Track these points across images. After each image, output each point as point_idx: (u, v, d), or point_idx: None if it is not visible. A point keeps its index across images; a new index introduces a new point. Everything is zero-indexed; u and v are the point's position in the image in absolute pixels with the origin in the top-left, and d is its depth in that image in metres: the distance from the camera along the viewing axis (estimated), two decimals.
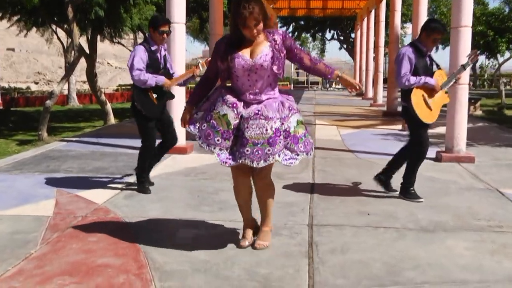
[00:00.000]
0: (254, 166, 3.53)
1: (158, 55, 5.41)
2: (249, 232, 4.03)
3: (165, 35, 5.37)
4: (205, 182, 6.04)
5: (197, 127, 3.67)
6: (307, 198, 5.47)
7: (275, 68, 3.58)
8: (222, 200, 5.29)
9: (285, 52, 3.63)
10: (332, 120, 13.28)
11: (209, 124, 3.60)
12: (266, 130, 3.51)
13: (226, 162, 3.55)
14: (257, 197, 3.93)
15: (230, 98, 3.61)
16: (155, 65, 5.37)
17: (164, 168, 6.94)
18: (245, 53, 3.59)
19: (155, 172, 6.63)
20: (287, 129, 3.62)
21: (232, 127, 3.57)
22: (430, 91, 5.22)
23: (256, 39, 3.59)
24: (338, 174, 6.70)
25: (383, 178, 5.68)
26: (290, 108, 3.66)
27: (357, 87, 3.68)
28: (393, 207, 5.15)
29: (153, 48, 5.37)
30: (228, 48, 3.62)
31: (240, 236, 4.08)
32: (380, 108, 17.15)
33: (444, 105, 5.43)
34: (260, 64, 3.57)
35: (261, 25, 3.53)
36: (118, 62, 54.60)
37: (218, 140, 3.57)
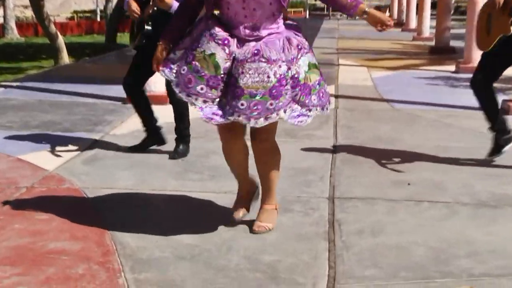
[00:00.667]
0: (252, 125, 3.50)
1: None
2: (245, 200, 4.07)
3: None
4: (192, 142, 6.04)
5: (174, 70, 3.59)
6: (327, 162, 5.50)
7: None
8: (214, 165, 5.32)
9: None
10: (361, 60, 13.23)
11: (190, 66, 3.53)
12: (268, 77, 3.44)
13: (212, 119, 3.48)
14: (256, 166, 3.93)
15: (220, 32, 3.52)
16: None
17: (137, 123, 6.94)
18: None
19: (125, 129, 6.65)
20: (296, 76, 3.54)
21: (222, 72, 3.49)
22: (497, 11, 5.11)
23: None
24: (368, 131, 6.72)
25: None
26: (300, 47, 3.58)
27: (388, 24, 3.62)
28: (441, 175, 5.18)
29: None
30: None
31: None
32: (426, 42, 17.06)
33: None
34: None
35: None
36: None
37: (201, 89, 3.49)
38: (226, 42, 3.51)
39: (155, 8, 5.23)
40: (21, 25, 28.25)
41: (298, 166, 5.29)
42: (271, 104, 3.46)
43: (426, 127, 6.94)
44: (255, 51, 3.48)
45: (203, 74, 3.49)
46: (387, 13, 3.86)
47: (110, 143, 6.05)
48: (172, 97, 5.51)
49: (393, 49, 15.83)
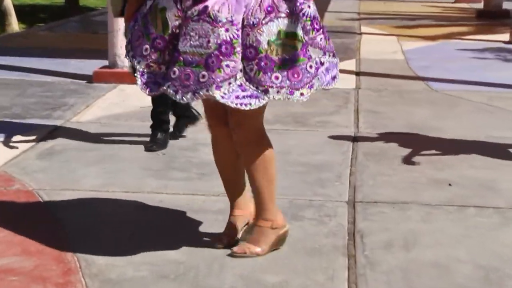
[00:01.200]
0: (177, 99, 3.45)
1: None
2: (237, 224, 3.96)
3: None
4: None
5: (134, 25, 3.62)
6: (347, 157, 5.52)
7: None
8: (203, 160, 5.30)
9: None
10: (389, 27, 13.22)
11: (142, 21, 3.58)
12: (208, 42, 3.39)
13: (148, 87, 3.52)
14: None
15: None
16: None
17: (106, 107, 6.96)
18: None
19: (91, 115, 6.65)
20: (254, 45, 3.45)
21: (170, 31, 3.48)
22: None
23: None
24: (398, 118, 6.73)
25: None
26: (270, 9, 3.46)
27: None
28: (491, 172, 5.19)
29: None
30: None
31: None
32: (472, 5, 17.04)
33: None
34: None
35: None
36: None
37: (146, 50, 3.50)
38: None
39: None
40: None
41: (310, 162, 5.29)
42: (203, 76, 3.39)
43: (472, 113, 6.95)
44: (203, 8, 3.41)
45: (151, 32, 3.52)
46: None
47: (72, 133, 6.04)
48: None
49: (431, 13, 15.81)
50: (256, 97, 3.45)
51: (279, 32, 3.46)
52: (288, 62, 3.48)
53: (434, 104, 7.25)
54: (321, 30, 3.59)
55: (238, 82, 3.43)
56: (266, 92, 3.45)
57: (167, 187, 4.84)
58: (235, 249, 3.78)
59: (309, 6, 3.55)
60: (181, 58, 3.41)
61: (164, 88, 3.44)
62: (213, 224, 4.15)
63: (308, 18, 3.53)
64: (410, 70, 9.11)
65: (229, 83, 3.41)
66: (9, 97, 7.38)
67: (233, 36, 3.41)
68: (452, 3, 18.05)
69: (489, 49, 10.67)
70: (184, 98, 3.42)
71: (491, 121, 6.52)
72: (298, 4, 3.51)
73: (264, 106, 3.56)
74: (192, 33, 3.40)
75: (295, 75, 3.49)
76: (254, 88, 3.45)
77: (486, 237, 4.07)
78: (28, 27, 15.27)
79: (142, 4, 3.63)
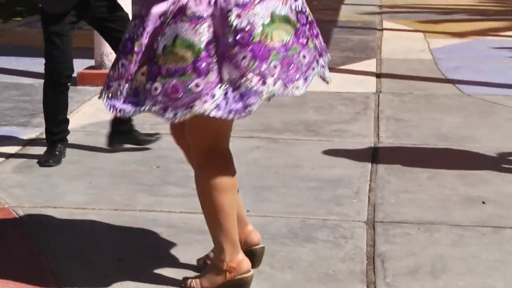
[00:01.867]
0: (170, 120, 3.40)
1: None
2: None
3: None
4: (167, 142, 6.06)
5: None
6: (366, 171, 5.53)
7: None
8: None
9: None
10: (415, 22, 13.25)
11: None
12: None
13: (117, 109, 3.49)
14: None
15: None
16: None
17: (92, 114, 6.98)
18: None
19: (75, 123, 6.68)
20: (247, 29, 3.33)
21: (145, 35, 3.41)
22: None
23: None
24: (425, 126, 6.75)
25: None
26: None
27: None
28: None
29: None
30: None
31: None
32: None
33: None
34: None
35: None
36: None
37: (122, 65, 3.50)
38: None
39: None
40: None
41: (324, 176, 5.30)
42: (196, 85, 3.31)
43: (509, 120, 6.95)
44: (181, 6, 3.32)
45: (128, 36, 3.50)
46: None
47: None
48: None
49: (463, 6, 15.80)
50: (255, 94, 3.34)
51: (271, 15, 3.37)
52: (282, 50, 3.39)
53: (466, 111, 7.26)
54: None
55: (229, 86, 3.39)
56: (264, 83, 3.35)
57: (162, 204, 4.87)
58: (187, 279, 3.76)
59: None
60: (163, 70, 3.40)
61: (148, 107, 3.40)
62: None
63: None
64: (439, 71, 9.11)
65: (225, 88, 3.38)
66: None
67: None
68: None
69: None
70: (177, 117, 3.36)
71: None
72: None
73: (206, 122, 3.48)
74: (169, 38, 3.40)
75: (291, 68, 3.42)
76: (256, 84, 3.36)
77: None
78: (3, 22, 15.32)
79: None
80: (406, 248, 4.25)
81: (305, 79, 3.44)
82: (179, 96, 3.32)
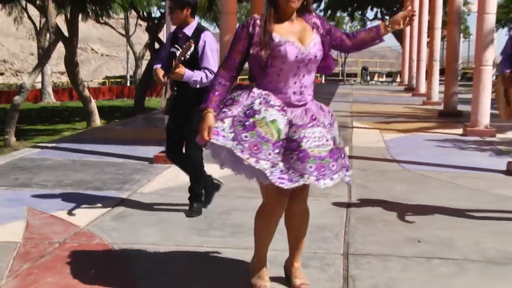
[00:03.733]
0: (321, 186, 3.47)
1: (179, 41, 5.48)
2: (267, 273, 3.91)
3: (169, 11, 5.52)
4: (215, 200, 6.06)
5: (229, 138, 3.44)
6: (342, 220, 5.48)
7: (330, 59, 3.65)
8: (235, 222, 5.31)
9: (328, 38, 3.66)
10: (373, 123, 13.26)
11: (252, 133, 3.41)
12: (327, 140, 3.52)
13: (282, 183, 3.40)
14: (289, 225, 3.85)
15: (274, 100, 3.51)
16: (172, 53, 5.48)
17: (163, 182, 6.99)
18: (294, 38, 3.52)
19: (151, 188, 6.68)
20: (336, 140, 3.62)
21: (283, 137, 3.47)
22: None
23: (290, 18, 3.56)
24: (381, 191, 6.69)
25: None
26: (331, 113, 3.66)
27: (411, 14, 3.55)
28: (451, 232, 5.14)
29: (176, 32, 5.59)
30: (266, 30, 3.49)
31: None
32: (435, 106, 17.09)
33: None
34: (314, 54, 3.53)
35: None
36: (105, 48, 55.05)
37: (269, 154, 3.41)
38: (284, 108, 3.52)
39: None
40: (57, 90, 28.73)
41: (315, 223, 5.24)
42: (333, 166, 3.52)
43: (437, 188, 6.90)
44: (313, 117, 3.53)
45: (267, 139, 3.42)
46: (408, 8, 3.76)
47: (137, 201, 6.07)
48: (187, 158, 5.58)
49: (404, 113, 15.86)
50: (331, 178, 3.54)
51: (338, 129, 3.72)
52: (342, 153, 3.71)
53: (408, 181, 7.22)
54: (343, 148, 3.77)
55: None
56: (347, 170, 3.69)
57: (208, 242, 4.83)
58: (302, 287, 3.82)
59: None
60: (311, 155, 3.44)
61: (305, 180, 3.43)
62: (242, 271, 4.13)
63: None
64: (390, 155, 9.09)
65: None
66: (91, 174, 7.43)
67: (334, 135, 3.62)
68: (420, 105, 18.10)
69: (448, 140, 10.67)
70: (326, 184, 3.49)
71: (452, 194, 6.48)
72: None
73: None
74: (312, 136, 3.47)
75: (346, 161, 3.72)
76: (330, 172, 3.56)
77: (446, 284, 4.03)
78: (107, 122, 15.49)
79: (215, 121, 3.50)
80: (369, 272, 4.19)
81: (331, 179, 3.54)
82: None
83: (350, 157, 8.68)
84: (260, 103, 3.48)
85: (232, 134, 3.44)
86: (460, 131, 11.55)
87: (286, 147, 3.47)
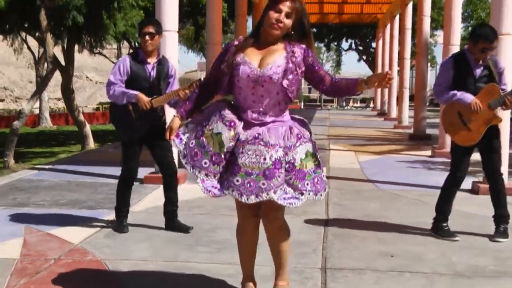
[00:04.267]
0: (243, 200, 3.41)
1: (147, 66, 5.45)
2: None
3: (147, 37, 5.40)
4: (200, 218, 6.04)
5: (183, 142, 3.58)
6: (320, 236, 5.47)
7: (285, 83, 3.47)
8: (220, 239, 5.29)
9: (303, 69, 3.55)
10: (349, 145, 13.30)
11: (198, 141, 3.52)
12: (264, 159, 3.40)
13: (210, 191, 3.46)
14: (269, 244, 3.79)
15: (228, 115, 3.52)
16: (140, 78, 5.41)
17: (152, 201, 6.94)
18: (253, 59, 3.52)
19: (141, 207, 6.64)
20: (292, 161, 3.48)
21: (225, 150, 3.48)
22: (469, 109, 5.23)
23: (273, 43, 3.54)
24: (356, 209, 6.69)
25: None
26: (299, 136, 3.54)
27: (389, 77, 3.44)
28: (421, 247, 5.14)
29: (139, 58, 5.45)
30: (238, 50, 3.56)
31: None
32: (406, 130, 17.19)
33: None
34: (268, 76, 3.47)
35: (289, 21, 3.49)
36: (99, 76, 54.94)
37: (205, 163, 3.48)
38: (233, 124, 3.50)
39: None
40: (54, 115, 28.61)
41: (295, 239, 5.21)
42: (263, 184, 3.39)
43: (407, 205, 6.92)
44: (256, 135, 3.46)
45: (209, 150, 3.48)
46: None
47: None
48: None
49: (377, 136, 15.94)
50: (295, 198, 3.48)
51: (306, 152, 3.53)
52: (312, 173, 3.53)
53: (381, 200, 7.23)
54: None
55: (286, 188, 3.47)
56: (301, 194, 3.49)
57: (195, 258, 4.79)
58: None
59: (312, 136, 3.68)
60: (242, 170, 3.40)
61: (229, 192, 3.42)
62: (227, 285, 4.10)
63: (315, 144, 3.65)
64: (364, 175, 9.12)
65: (281, 189, 3.44)
66: (85, 194, 7.38)
67: (281, 155, 3.45)
68: (392, 129, 18.21)
69: (418, 161, 10.71)
70: (249, 200, 3.41)
71: (421, 211, 6.50)
72: (311, 133, 3.65)
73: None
74: (249, 152, 3.42)
75: (317, 182, 3.55)
76: (294, 192, 3.48)
77: None
78: (100, 145, 15.39)
79: (181, 126, 3.64)
80: (346, 285, 4.18)
81: (324, 190, 3.60)
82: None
83: (328, 177, 8.71)
84: (215, 115, 3.54)
85: (187, 139, 3.58)
86: (428, 153, 11.62)
87: (229, 160, 3.49)
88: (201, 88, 3.76)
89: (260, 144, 3.43)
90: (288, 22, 3.48)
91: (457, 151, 5.45)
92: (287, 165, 3.47)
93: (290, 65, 3.49)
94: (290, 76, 3.49)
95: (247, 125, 3.52)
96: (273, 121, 3.54)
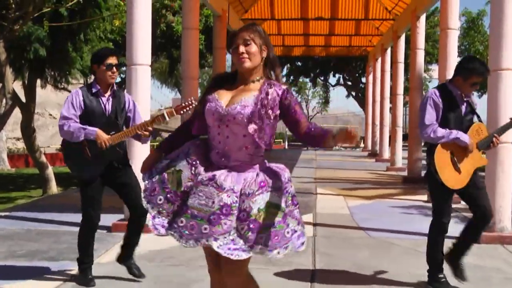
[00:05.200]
0: (182, 244, 3.45)
1: (102, 99, 5.51)
2: None
3: (114, 69, 5.48)
4: (174, 270, 6.00)
5: (151, 176, 3.69)
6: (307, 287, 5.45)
7: (251, 128, 3.47)
8: None
9: (278, 112, 3.56)
10: (337, 189, 13.34)
11: (159, 177, 3.64)
12: (213, 202, 3.42)
13: (156, 229, 3.55)
14: None
15: (194, 153, 3.63)
16: (95, 113, 5.46)
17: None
18: (223, 98, 3.59)
19: (109, 258, 6.59)
20: (247, 210, 3.43)
21: (182, 189, 3.56)
22: (462, 149, 5.30)
23: (251, 81, 3.60)
24: (345, 258, 6.70)
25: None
26: (263, 184, 3.49)
27: (354, 136, 3.54)
28: None
29: (94, 91, 5.52)
30: (213, 88, 3.68)
31: None
32: (399, 172, 17.30)
33: (480, 169, 5.52)
34: (232, 115, 3.50)
35: (254, 48, 3.55)
36: None
37: (160, 200, 3.60)
38: (194, 163, 3.59)
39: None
40: (13, 156, 28.41)
41: None
42: (205, 229, 3.40)
43: (401, 255, 6.95)
44: (212, 176, 3.49)
45: (166, 187, 3.59)
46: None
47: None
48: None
49: (368, 179, 16.02)
50: (244, 250, 3.42)
51: (267, 203, 3.48)
52: (272, 227, 3.46)
53: (372, 248, 7.25)
54: (298, 205, 3.60)
55: (231, 237, 3.41)
56: (251, 248, 3.42)
57: None
58: None
59: (291, 186, 3.60)
60: (189, 212, 3.45)
61: (171, 232, 3.49)
62: None
63: (289, 195, 3.56)
64: (354, 221, 9.14)
65: (225, 237, 3.40)
66: (47, 244, 7.31)
67: (233, 201, 3.43)
68: (384, 171, 18.31)
69: (413, 206, 10.77)
70: (187, 244, 3.43)
71: (416, 262, 6.51)
72: (283, 183, 3.56)
73: (249, 257, 3.49)
74: (200, 193, 3.45)
75: (275, 237, 3.46)
76: (241, 243, 3.42)
77: None
78: (64, 189, 15.29)
79: (158, 161, 3.73)
80: None
81: (285, 248, 3.47)
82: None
83: (314, 224, 8.73)
84: (183, 153, 3.65)
85: (154, 173, 3.69)
86: (424, 197, 11.67)
87: (183, 200, 3.55)
88: (182, 126, 3.88)
89: (213, 186, 3.47)
90: (253, 49, 3.56)
91: (441, 194, 5.43)
92: (241, 214, 3.45)
93: (259, 107, 3.50)
94: (258, 121, 3.50)
95: (211, 166, 3.59)
96: (238, 165, 3.56)
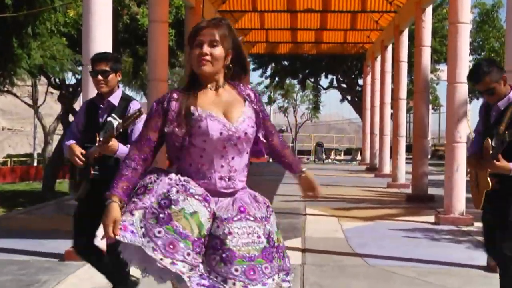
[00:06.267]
0: None
1: (99, 111, 5.56)
2: None
3: (99, 76, 5.48)
4: None
5: (140, 233, 3.29)
6: None
7: (261, 134, 3.59)
8: None
9: None
10: (330, 209, 13.34)
11: (169, 228, 3.29)
12: (259, 237, 3.38)
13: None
14: None
15: (197, 188, 3.41)
16: (92, 125, 5.51)
17: (77, 283, 6.86)
18: (218, 112, 3.46)
19: None
20: (271, 236, 3.48)
21: (205, 233, 3.36)
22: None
23: (215, 87, 3.52)
24: None
25: None
26: (267, 205, 3.56)
27: (316, 194, 3.68)
28: None
29: (95, 101, 5.64)
30: (184, 104, 3.45)
31: None
32: (403, 190, 17.33)
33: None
34: (243, 131, 3.46)
35: (219, 50, 3.46)
36: (7, 121, 54.56)
37: (188, 254, 3.28)
38: (207, 198, 3.40)
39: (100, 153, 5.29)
40: None
41: None
42: (266, 268, 3.36)
43: (404, 286, 6.96)
44: (241, 208, 3.41)
45: (187, 236, 3.30)
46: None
47: None
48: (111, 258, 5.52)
49: (366, 197, 16.04)
50: (285, 280, 3.52)
51: (276, 224, 3.56)
52: (285, 248, 3.58)
53: (371, 278, 7.26)
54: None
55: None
56: (287, 274, 3.55)
57: None
58: None
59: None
60: (238, 256, 3.30)
61: (230, 286, 3.26)
62: None
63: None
64: (349, 247, 9.14)
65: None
66: None
67: (269, 229, 3.49)
68: (385, 188, 18.34)
69: (418, 229, 10.79)
70: None
71: None
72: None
73: None
74: (239, 232, 3.34)
75: (288, 259, 3.56)
76: (283, 274, 3.52)
77: None
78: (8, 211, 15.21)
79: (132, 213, 3.36)
80: None
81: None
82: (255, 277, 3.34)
83: (303, 250, 8.72)
84: (178, 192, 3.37)
85: (143, 230, 3.31)
86: (431, 218, 11.71)
87: (208, 245, 3.36)
88: (134, 156, 3.52)
89: (249, 219, 3.41)
90: (218, 51, 3.46)
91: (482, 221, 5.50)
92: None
93: (258, 114, 3.58)
94: (262, 131, 3.63)
95: (216, 197, 3.45)
96: (242, 188, 3.55)
